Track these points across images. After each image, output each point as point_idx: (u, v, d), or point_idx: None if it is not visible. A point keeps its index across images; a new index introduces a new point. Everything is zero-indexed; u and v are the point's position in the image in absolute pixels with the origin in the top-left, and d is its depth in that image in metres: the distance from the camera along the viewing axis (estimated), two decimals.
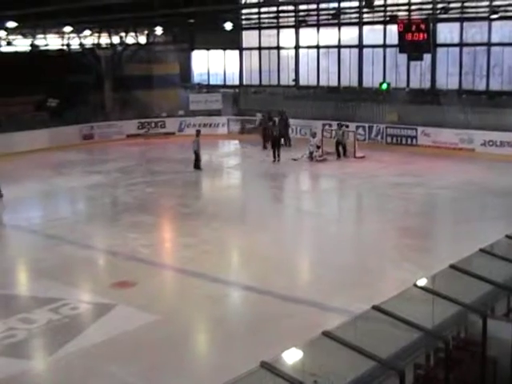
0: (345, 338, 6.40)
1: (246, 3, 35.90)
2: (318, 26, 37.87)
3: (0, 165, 29.83)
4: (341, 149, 30.27)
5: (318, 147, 29.85)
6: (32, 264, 17.34)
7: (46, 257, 17.41)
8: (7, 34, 34.41)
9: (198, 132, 29.45)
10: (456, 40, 33.33)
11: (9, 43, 35.37)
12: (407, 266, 15.86)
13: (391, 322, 6.83)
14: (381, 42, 35.93)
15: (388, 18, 32.58)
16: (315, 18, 36.50)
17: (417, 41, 31.32)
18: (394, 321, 6.84)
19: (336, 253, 17.36)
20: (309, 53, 39.38)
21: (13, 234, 20.31)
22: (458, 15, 31.29)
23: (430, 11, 31.21)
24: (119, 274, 15.88)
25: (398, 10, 31.46)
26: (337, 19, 34.14)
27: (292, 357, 6.33)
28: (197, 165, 28.48)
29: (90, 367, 11.43)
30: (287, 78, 40.30)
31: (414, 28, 31.26)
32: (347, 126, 31.34)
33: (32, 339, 12.68)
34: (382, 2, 31.56)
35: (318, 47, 38.82)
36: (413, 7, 31.42)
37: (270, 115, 33.90)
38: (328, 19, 35.43)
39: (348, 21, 35.74)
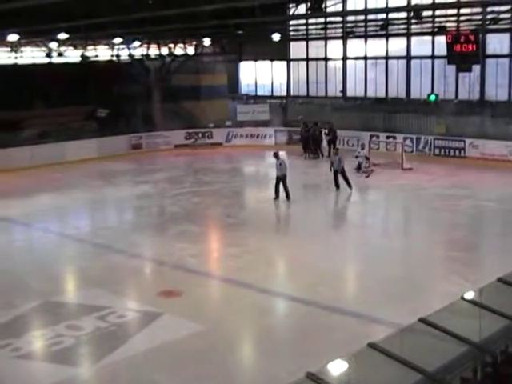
0: (391, 350, 6.35)
1: (294, 14, 35.90)
2: (365, 37, 37.75)
3: (50, 174, 30.41)
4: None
5: (367, 158, 29.68)
6: (80, 272, 17.54)
7: (93, 265, 17.61)
8: (58, 46, 35.00)
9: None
10: (506, 51, 32.93)
11: (60, 54, 35.96)
12: (454, 279, 15.69)
13: (438, 335, 6.76)
14: (429, 53, 35.68)
15: (436, 29, 32.32)
16: (363, 29, 36.40)
17: (466, 52, 30.99)
18: (440, 334, 6.77)
19: (382, 265, 17.23)
20: (356, 64, 39.26)
21: (62, 242, 20.55)
22: (507, 26, 30.93)
23: (479, 22, 30.89)
24: (166, 283, 15.99)
25: (447, 21, 31.19)
26: (385, 30, 33.95)
27: (337, 368, 6.30)
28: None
29: (136, 375, 11.51)
30: (334, 89, 40.22)
31: (462, 39, 30.93)
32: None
33: (79, 346, 12.80)
34: (430, 13, 31.33)
35: (365, 58, 38.69)
36: (462, 18, 31.11)
37: (316, 125, 34.21)
38: (376, 30, 35.29)
39: (396, 32, 35.54)
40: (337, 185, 25.81)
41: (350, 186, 25.66)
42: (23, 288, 15.91)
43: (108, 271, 17.11)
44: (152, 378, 11.36)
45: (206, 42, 38.25)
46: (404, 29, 34.79)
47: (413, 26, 34.32)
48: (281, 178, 24.41)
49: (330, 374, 6.11)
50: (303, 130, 35.12)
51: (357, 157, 29.36)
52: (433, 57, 35.50)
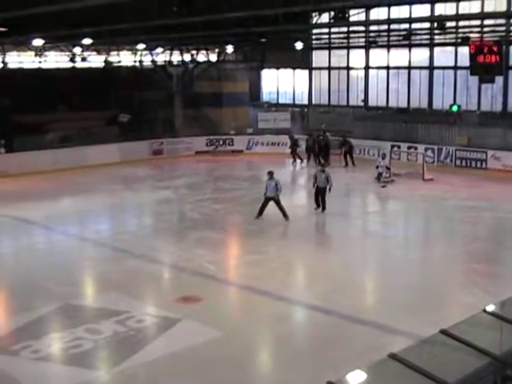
0: (411, 361, 6.32)
1: (317, 23, 35.93)
2: (388, 46, 37.75)
3: (72, 177, 30.59)
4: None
5: (388, 168, 29.59)
6: (100, 276, 17.61)
7: (113, 269, 17.68)
8: (82, 51, 35.23)
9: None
10: None
11: (83, 59, 36.19)
12: (474, 291, 15.61)
13: (459, 347, 6.72)
14: (452, 63, 35.62)
15: (460, 40, 32.23)
16: (386, 38, 36.36)
17: (489, 63, 30.87)
18: (461, 346, 6.73)
19: (402, 275, 17.16)
20: (378, 73, 39.26)
21: (82, 245, 20.63)
22: None
23: (503, 33, 30.77)
24: (185, 288, 16.01)
25: (470, 32, 31.08)
26: (407, 40, 33.92)
27: (358, 378, 6.28)
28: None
29: (153, 381, 11.54)
30: (356, 99, 40.24)
31: (486, 50, 30.82)
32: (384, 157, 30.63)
33: (97, 350, 12.84)
34: (453, 24, 31.23)
35: (387, 68, 38.68)
36: (485, 29, 31.02)
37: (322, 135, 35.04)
38: (399, 40, 35.26)
39: (419, 42, 35.51)
40: (317, 203, 23.77)
41: (324, 208, 23.57)
42: (43, 291, 16.00)
43: (127, 276, 17.16)
44: (170, 383, 11.37)
45: (229, 49, 38.37)
46: (427, 39, 34.75)
47: (436, 37, 34.27)
48: (275, 200, 22.47)
49: None
50: (309, 139, 35.27)
51: (377, 167, 29.26)
52: (455, 67, 35.44)
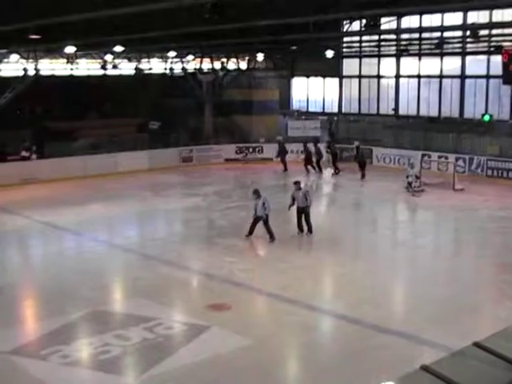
0: (443, 373, 6.21)
1: (347, 31, 35.89)
2: (419, 55, 37.53)
3: (102, 184, 30.79)
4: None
5: (418, 178, 29.38)
6: (129, 282, 17.67)
7: (142, 276, 17.72)
8: (113, 58, 35.48)
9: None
10: None
11: (114, 66, 36.43)
12: (506, 303, 15.41)
13: (492, 360, 6.59)
14: (484, 72, 35.30)
15: (492, 48, 31.97)
16: (417, 47, 36.18)
17: None
18: (495, 359, 6.61)
19: (431, 285, 16.97)
20: (409, 82, 39.05)
21: (111, 251, 20.73)
22: None
23: None
24: (214, 296, 16.01)
25: (503, 40, 30.80)
26: (439, 49, 33.71)
27: None
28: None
29: None
30: (387, 107, 40.04)
31: None
32: None
33: (126, 356, 12.87)
34: (486, 32, 30.99)
35: (419, 76, 38.45)
36: None
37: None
38: (430, 48, 35.06)
39: (451, 50, 35.26)
40: (300, 227, 21.80)
41: (310, 230, 21.69)
42: (73, 296, 16.08)
43: (156, 282, 17.20)
44: None
45: (259, 57, 38.43)
46: (459, 47, 34.48)
47: (468, 45, 34.01)
48: (263, 219, 21.03)
49: None
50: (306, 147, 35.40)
51: (407, 176, 29.04)
52: (488, 76, 35.12)
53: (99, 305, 15.47)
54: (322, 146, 35.86)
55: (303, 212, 21.55)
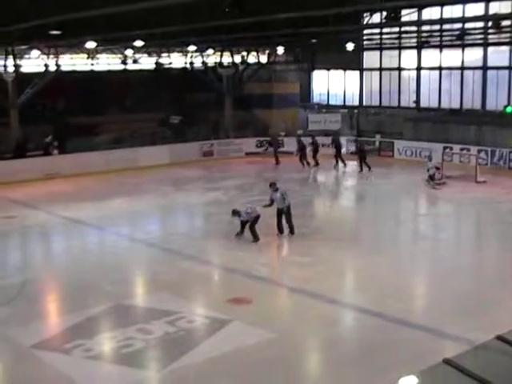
0: (466, 366, 6.19)
1: (368, 23, 35.70)
2: (440, 46, 37.29)
3: (124, 179, 30.91)
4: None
5: (438, 168, 29.18)
6: (150, 276, 17.74)
7: (163, 270, 17.78)
8: (134, 53, 35.58)
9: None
10: None
11: (135, 61, 36.55)
12: None
13: None
14: (506, 63, 35.01)
15: None
16: (438, 38, 35.94)
17: None
18: None
19: (454, 279, 16.87)
20: (430, 74, 38.82)
21: (133, 246, 20.79)
22: None
23: None
24: (235, 290, 16.02)
25: None
26: (461, 40, 33.45)
27: (411, 383, 6.18)
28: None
29: (204, 382, 11.55)
30: (408, 100, 39.84)
31: None
32: None
33: (148, 350, 12.92)
34: (509, 23, 30.71)
35: (440, 68, 38.22)
36: None
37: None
38: (451, 40, 34.82)
39: (472, 42, 34.99)
40: (280, 229, 20.88)
41: (292, 231, 20.82)
42: (96, 290, 16.18)
43: (178, 276, 17.25)
44: None
45: (280, 50, 38.36)
46: (481, 39, 34.20)
47: (490, 36, 33.72)
48: (284, 211, 20.73)
49: None
50: (299, 142, 35.36)
51: (428, 169, 28.77)
52: (510, 67, 34.82)
53: (121, 299, 15.54)
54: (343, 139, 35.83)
55: (283, 213, 20.70)
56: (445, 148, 32.81)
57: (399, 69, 40.31)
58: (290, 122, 40.27)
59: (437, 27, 34.82)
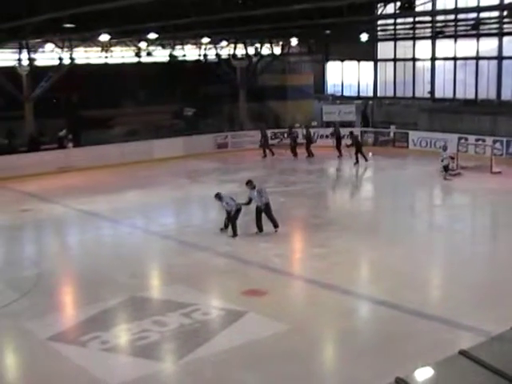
0: (482, 358, 6.15)
1: (382, 14, 35.54)
2: (455, 36, 37.06)
3: (138, 171, 30.99)
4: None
5: (452, 158, 29.01)
6: (166, 268, 17.77)
7: (179, 262, 17.81)
8: (147, 45, 35.60)
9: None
10: None
11: (149, 54, 36.58)
12: None
13: None
14: None
15: None
16: (453, 28, 35.74)
17: None
18: None
19: (470, 270, 16.81)
20: (445, 64, 38.62)
21: (148, 238, 20.84)
22: None
23: None
24: (250, 282, 16.02)
25: None
26: (476, 30, 33.24)
27: (427, 375, 6.14)
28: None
29: (219, 373, 11.54)
30: (422, 90, 39.67)
31: None
32: None
33: (164, 342, 12.95)
34: None
35: (455, 59, 38.00)
36: None
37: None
38: (466, 30, 34.60)
39: (487, 31, 34.76)
40: (259, 227, 20.23)
41: (276, 225, 20.17)
42: (111, 282, 16.23)
43: (193, 268, 17.27)
44: (235, 376, 11.39)
45: (293, 41, 38.28)
46: (496, 28, 33.97)
47: (505, 25, 33.49)
48: (262, 209, 20.09)
49: (419, 381, 5.97)
50: (289, 133, 35.75)
51: (442, 160, 28.57)
52: None
53: (137, 291, 15.57)
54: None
55: (262, 211, 20.05)
56: (460, 139, 32.62)
57: (413, 59, 40.13)
58: (305, 114, 40.17)
59: (451, 17, 34.63)
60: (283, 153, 35.14)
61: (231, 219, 20.07)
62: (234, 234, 20.01)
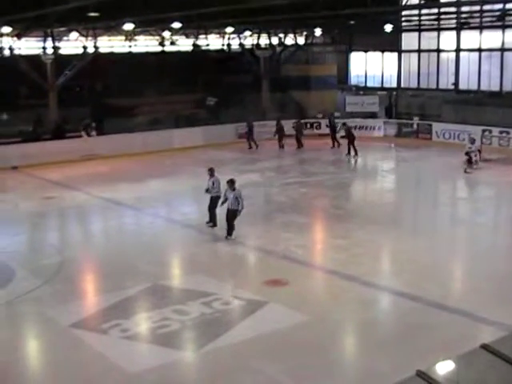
0: (504, 352, 6.13)
1: (406, 4, 35.31)
2: (480, 28, 36.74)
3: (160, 160, 31.08)
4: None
5: (479, 151, 28.78)
6: (188, 257, 17.81)
7: (200, 251, 17.86)
8: (171, 34, 35.64)
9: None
10: None
11: (172, 43, 36.62)
12: None
13: None
14: None
15: None
16: (478, 19, 35.43)
17: None
18: None
19: (492, 264, 16.70)
20: (470, 56, 38.30)
21: (170, 227, 20.89)
22: None
23: None
24: (271, 272, 16.02)
25: None
26: (501, 21, 32.91)
27: (448, 368, 6.13)
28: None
29: (239, 362, 11.57)
30: (446, 82, 39.39)
31: None
32: None
33: (184, 331, 13.00)
34: None
35: (479, 50, 37.67)
36: None
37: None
38: (492, 21, 34.29)
39: None
40: (212, 220, 19.49)
41: (229, 233, 18.66)
42: (133, 271, 16.29)
43: (214, 258, 17.33)
44: (255, 366, 11.40)
45: (317, 32, 38.15)
46: None
47: None
48: (234, 215, 18.60)
49: (441, 374, 5.95)
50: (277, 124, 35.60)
51: (467, 153, 28.29)
52: None
53: (158, 279, 15.64)
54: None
55: (230, 213, 18.55)
56: (484, 131, 32.39)
57: (438, 50, 39.84)
58: (328, 104, 40.03)
59: (477, 8, 34.32)
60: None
61: (210, 207, 19.25)
62: (213, 224, 19.64)
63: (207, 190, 19.85)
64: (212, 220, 19.74)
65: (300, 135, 35.26)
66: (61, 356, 12.04)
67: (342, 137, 33.19)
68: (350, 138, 32.54)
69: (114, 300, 14.33)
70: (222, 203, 18.99)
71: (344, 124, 33.88)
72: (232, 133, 36.81)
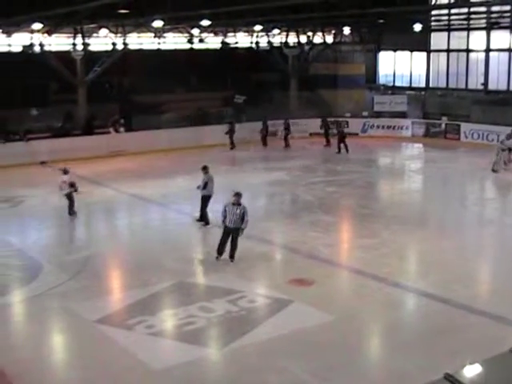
0: None
1: (436, 4, 35.04)
2: (511, 28, 36.36)
3: (187, 157, 31.13)
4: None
5: (510, 150, 28.40)
6: (212, 255, 17.73)
7: (225, 249, 17.76)
8: (200, 32, 35.69)
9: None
10: None
11: (201, 40, 36.68)
12: None
13: None
14: None
15: None
16: (508, 19, 35.08)
17: None
18: None
19: None
20: (500, 56, 37.93)
21: (194, 224, 20.87)
22: None
23: None
24: (297, 271, 15.99)
25: None
26: None
27: (476, 371, 6.04)
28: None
29: (264, 361, 11.53)
30: (476, 82, 39.05)
31: None
32: None
33: (210, 328, 13.00)
34: None
35: (510, 50, 37.30)
36: None
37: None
38: None
39: None
40: (220, 250, 16.79)
41: (232, 255, 16.70)
42: (159, 267, 16.33)
43: (240, 256, 17.24)
44: (280, 365, 11.35)
45: (346, 30, 38.01)
46: None
47: None
48: (237, 235, 16.65)
49: (468, 377, 5.88)
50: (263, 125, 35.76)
51: (503, 150, 27.86)
52: None
53: (183, 276, 15.67)
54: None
55: (231, 234, 16.67)
56: None
57: (467, 50, 39.50)
58: (356, 103, 39.90)
59: (507, 8, 33.95)
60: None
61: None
62: (202, 221, 19.96)
63: (199, 187, 20.17)
64: (203, 219, 19.93)
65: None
66: (86, 352, 12.08)
67: (334, 135, 33.59)
68: (340, 137, 33.07)
69: (140, 296, 14.38)
70: (223, 221, 16.78)
71: (336, 122, 34.39)
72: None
